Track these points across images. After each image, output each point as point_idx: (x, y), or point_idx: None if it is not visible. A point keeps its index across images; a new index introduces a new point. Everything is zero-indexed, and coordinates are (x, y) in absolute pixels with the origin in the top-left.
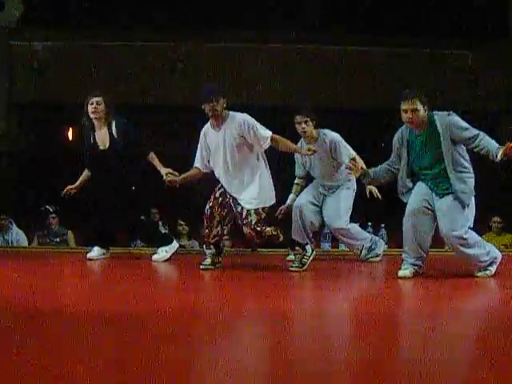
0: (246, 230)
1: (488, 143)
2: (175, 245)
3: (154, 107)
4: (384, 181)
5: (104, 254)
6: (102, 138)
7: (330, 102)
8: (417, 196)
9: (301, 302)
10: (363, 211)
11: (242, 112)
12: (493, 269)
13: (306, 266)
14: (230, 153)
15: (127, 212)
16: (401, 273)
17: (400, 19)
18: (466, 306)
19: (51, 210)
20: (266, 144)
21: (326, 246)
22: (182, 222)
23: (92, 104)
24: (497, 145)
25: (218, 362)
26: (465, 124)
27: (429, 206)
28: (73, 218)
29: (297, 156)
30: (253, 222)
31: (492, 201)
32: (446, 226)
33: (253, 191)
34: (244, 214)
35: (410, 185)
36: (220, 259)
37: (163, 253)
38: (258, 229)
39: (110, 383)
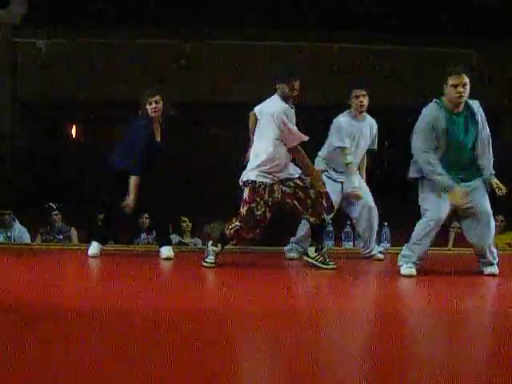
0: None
1: (490, 158)
2: None
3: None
4: None
5: (102, 249)
6: (156, 130)
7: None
8: (443, 204)
9: (306, 300)
10: None
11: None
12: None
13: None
14: None
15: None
16: (407, 271)
17: (403, 17)
18: (472, 304)
19: (54, 207)
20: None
21: (330, 243)
22: (186, 219)
23: (151, 104)
24: (491, 168)
25: (224, 360)
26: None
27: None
28: (76, 215)
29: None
30: None
31: (496, 199)
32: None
33: None
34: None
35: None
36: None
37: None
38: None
39: (115, 381)
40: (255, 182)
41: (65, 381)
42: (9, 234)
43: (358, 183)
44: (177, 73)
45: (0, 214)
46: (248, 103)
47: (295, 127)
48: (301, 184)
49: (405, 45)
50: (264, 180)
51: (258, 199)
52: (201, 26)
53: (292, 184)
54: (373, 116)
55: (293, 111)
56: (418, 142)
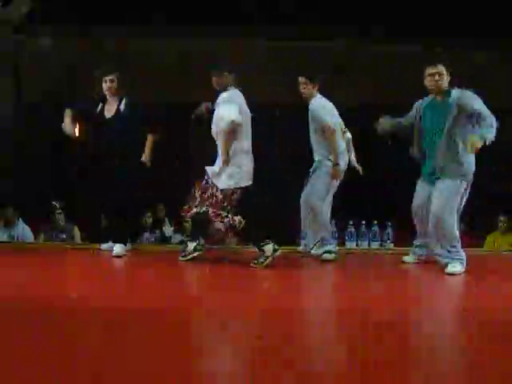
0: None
1: (483, 126)
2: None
3: (162, 105)
4: (392, 128)
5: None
6: (110, 108)
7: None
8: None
9: (306, 300)
10: (369, 209)
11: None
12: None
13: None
14: None
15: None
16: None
17: (413, 18)
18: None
19: (57, 206)
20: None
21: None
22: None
23: (106, 82)
24: (485, 132)
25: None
26: (478, 99)
27: None
28: (79, 215)
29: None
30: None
31: (498, 200)
32: None
33: None
34: None
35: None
36: None
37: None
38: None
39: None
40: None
41: (64, 378)
42: (12, 232)
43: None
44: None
45: (3, 211)
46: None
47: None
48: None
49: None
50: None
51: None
52: (210, 23)
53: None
54: (373, 114)
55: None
56: None
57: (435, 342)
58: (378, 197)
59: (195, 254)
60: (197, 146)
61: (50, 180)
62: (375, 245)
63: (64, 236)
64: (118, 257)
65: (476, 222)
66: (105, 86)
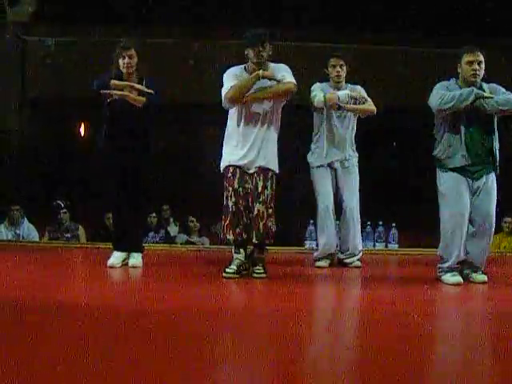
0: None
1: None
2: None
3: (164, 105)
4: None
5: (125, 259)
6: (132, 93)
7: None
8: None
9: (313, 302)
10: (374, 210)
11: None
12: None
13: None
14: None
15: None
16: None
17: (409, 17)
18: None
19: (62, 205)
20: None
21: None
22: (193, 219)
23: (124, 58)
24: (499, 105)
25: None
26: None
27: None
28: (84, 214)
29: None
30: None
31: (503, 201)
32: None
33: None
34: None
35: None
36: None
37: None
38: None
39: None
40: (221, 166)
41: (65, 378)
42: (17, 231)
43: None
44: (185, 72)
45: (9, 210)
46: None
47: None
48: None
49: (414, 46)
50: (223, 163)
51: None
52: (210, 24)
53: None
54: (378, 116)
55: (236, 69)
56: (433, 98)
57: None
58: (384, 197)
59: None
60: (202, 147)
61: (55, 179)
62: (380, 246)
63: (69, 235)
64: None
65: None
66: (122, 62)
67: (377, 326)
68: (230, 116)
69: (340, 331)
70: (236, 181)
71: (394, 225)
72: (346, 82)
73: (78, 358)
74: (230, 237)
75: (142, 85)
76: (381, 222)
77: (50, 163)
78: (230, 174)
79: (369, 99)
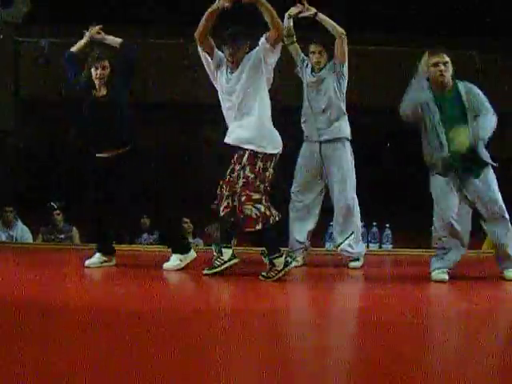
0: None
1: (481, 123)
2: (192, 254)
3: (159, 105)
4: None
5: (106, 261)
6: (100, 96)
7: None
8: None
9: (303, 302)
10: (368, 210)
11: None
12: None
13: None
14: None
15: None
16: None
17: (406, 17)
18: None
19: (55, 207)
20: None
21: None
22: (187, 220)
23: (97, 68)
24: (484, 133)
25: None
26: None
27: None
28: (78, 215)
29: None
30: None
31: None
32: None
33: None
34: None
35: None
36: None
37: (177, 261)
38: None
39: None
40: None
41: (62, 379)
42: (11, 233)
43: None
44: (180, 72)
45: (3, 211)
46: None
47: None
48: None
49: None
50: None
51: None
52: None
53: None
54: (374, 117)
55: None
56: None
57: None
58: (378, 198)
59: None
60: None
61: (49, 180)
62: (374, 246)
63: (62, 236)
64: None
65: (476, 223)
66: (94, 72)
67: (375, 326)
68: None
69: (340, 331)
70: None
71: (387, 225)
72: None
73: (74, 359)
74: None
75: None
76: (375, 223)
77: (44, 164)
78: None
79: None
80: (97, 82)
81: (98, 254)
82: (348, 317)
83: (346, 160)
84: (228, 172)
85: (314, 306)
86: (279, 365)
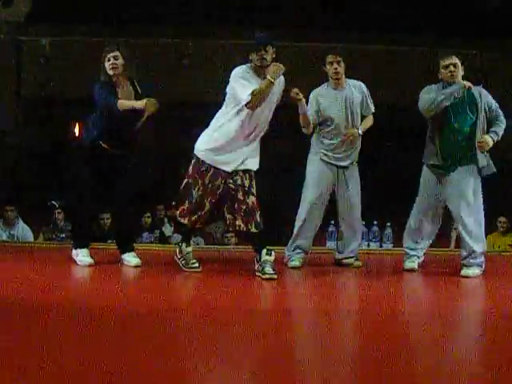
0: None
1: (498, 128)
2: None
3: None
4: None
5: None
6: (127, 95)
7: None
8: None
9: (304, 301)
10: (369, 210)
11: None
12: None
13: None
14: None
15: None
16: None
17: (405, 16)
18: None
19: (56, 206)
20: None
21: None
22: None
23: (109, 60)
24: (495, 137)
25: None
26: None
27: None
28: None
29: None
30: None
31: (498, 201)
32: None
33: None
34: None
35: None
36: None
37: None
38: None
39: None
40: (198, 153)
41: (60, 378)
42: (12, 232)
43: None
44: (179, 71)
45: (4, 210)
46: None
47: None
48: (245, 185)
49: (407, 45)
50: (203, 154)
51: (197, 177)
52: (205, 23)
53: (237, 180)
54: (374, 116)
55: (244, 71)
56: (420, 102)
57: None
58: (379, 197)
59: None
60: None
61: (50, 179)
62: (374, 245)
63: (63, 235)
64: None
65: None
66: (107, 64)
67: (374, 326)
68: (233, 114)
69: (339, 331)
70: (207, 177)
71: (388, 224)
72: (347, 77)
73: (73, 358)
74: (185, 222)
75: (135, 85)
76: (376, 222)
77: (45, 163)
78: (203, 168)
79: (370, 100)
80: (111, 72)
81: (86, 250)
82: (348, 316)
83: None
84: (212, 184)
85: (314, 304)
86: (279, 365)
